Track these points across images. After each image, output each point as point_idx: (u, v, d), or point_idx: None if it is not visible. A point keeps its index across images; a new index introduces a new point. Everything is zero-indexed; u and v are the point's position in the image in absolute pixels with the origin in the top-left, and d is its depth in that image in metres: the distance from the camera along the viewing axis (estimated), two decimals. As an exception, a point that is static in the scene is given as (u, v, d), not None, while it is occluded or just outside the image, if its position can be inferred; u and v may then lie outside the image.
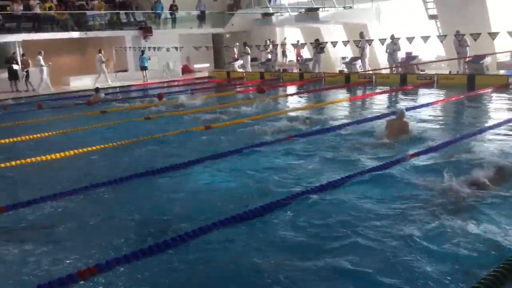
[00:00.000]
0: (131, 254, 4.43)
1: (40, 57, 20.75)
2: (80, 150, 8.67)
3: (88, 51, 25.24)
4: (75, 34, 23.13)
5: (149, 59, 23.84)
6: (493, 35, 15.88)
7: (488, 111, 12.26)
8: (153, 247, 4.55)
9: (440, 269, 4.04)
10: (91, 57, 24.81)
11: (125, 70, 24.98)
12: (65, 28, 23.11)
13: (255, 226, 5.12)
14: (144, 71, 23.64)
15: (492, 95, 14.11)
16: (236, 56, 25.88)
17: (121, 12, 25.96)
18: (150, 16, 26.76)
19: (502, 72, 17.21)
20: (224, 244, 4.73)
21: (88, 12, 24.57)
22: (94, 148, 8.87)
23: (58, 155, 8.41)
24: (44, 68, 20.95)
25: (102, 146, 9.03)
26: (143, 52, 23.69)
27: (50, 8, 23.15)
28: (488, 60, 17.03)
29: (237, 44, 25.88)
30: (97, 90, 17.42)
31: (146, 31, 25.04)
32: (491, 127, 9.31)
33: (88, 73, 23.86)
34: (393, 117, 9.13)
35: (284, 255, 4.44)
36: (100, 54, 22.55)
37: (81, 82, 22.81)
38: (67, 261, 4.52)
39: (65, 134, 10.80)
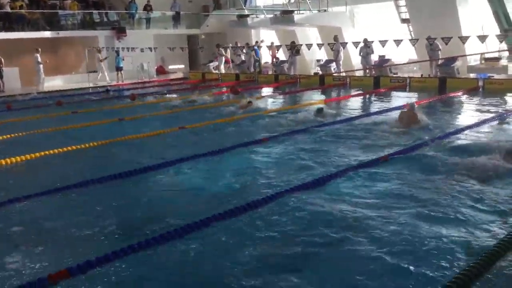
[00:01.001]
0: (103, 257, 4.36)
1: (38, 55, 20.75)
2: (51, 151, 8.49)
3: (60, 51, 24.77)
4: (47, 34, 22.67)
5: (123, 59, 23.57)
6: (463, 39, 16.24)
7: (461, 112, 12.59)
8: (126, 249, 4.48)
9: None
10: (63, 57, 24.40)
11: (99, 71, 24.62)
12: (36, 28, 22.64)
13: (233, 226, 5.11)
14: (119, 72, 23.40)
15: (463, 97, 14.46)
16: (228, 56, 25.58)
17: (94, 12, 25.60)
18: (124, 16, 26.43)
19: (472, 75, 17.61)
20: (201, 245, 4.70)
21: (61, 12, 24.13)
22: (65, 149, 8.70)
23: (28, 156, 8.22)
24: (41, 66, 20.96)
25: (74, 147, 8.87)
26: (118, 52, 23.41)
27: (21, 7, 22.65)
28: (459, 63, 17.41)
29: (230, 45, 25.78)
30: (107, 90, 18.78)
31: (119, 31, 24.73)
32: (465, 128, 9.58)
33: (60, 73, 23.42)
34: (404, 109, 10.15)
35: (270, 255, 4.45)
36: (98, 54, 22.76)
37: (53, 83, 22.37)
38: (38, 265, 4.42)
39: (35, 134, 10.58)
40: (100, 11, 25.84)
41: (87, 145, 9.00)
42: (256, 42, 25.23)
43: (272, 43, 24.69)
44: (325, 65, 21.12)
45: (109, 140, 9.44)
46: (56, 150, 8.56)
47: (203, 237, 4.86)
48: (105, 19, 25.86)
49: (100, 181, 6.77)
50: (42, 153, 8.39)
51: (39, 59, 20.85)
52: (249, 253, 4.51)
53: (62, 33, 23.19)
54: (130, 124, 11.76)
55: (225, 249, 4.64)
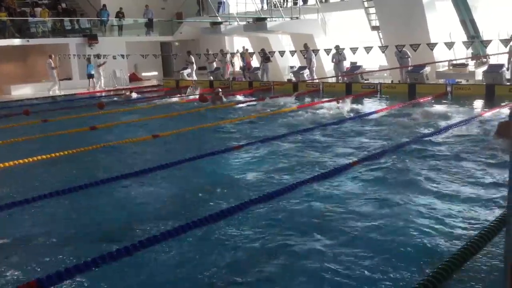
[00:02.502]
0: (73, 267, 4.31)
1: (51, 60, 21.41)
2: (21, 161, 8.34)
3: (30, 58, 24.41)
4: (17, 41, 22.32)
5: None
6: (431, 46, 16.61)
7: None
8: (97, 260, 4.44)
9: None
10: (34, 65, 24.05)
11: (69, 78, 24.31)
12: (6, 35, 22.25)
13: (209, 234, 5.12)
14: (90, 79, 23.16)
15: (432, 102, 14.78)
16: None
17: (65, 19, 25.30)
18: (96, 24, 26.22)
19: (441, 81, 18.02)
20: (175, 254, 4.70)
21: (31, 19, 23.78)
22: (35, 158, 8.55)
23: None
24: (54, 71, 21.66)
25: (44, 156, 8.72)
26: (89, 59, 23.17)
27: (-11, 14, 22.27)
28: (427, 69, 17.80)
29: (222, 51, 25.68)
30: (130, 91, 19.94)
31: (91, 38, 24.51)
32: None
33: (30, 81, 23.05)
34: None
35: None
36: (97, 59, 23.34)
37: (23, 91, 22.00)
38: (6, 278, 4.34)
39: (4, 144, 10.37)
40: (71, 18, 25.56)
41: (56, 154, 8.86)
42: (243, 47, 25.23)
43: (246, 50, 24.80)
44: (298, 72, 21.30)
45: (80, 148, 9.31)
46: (26, 160, 8.41)
47: (181, 244, 4.86)
48: (76, 27, 25.61)
49: (70, 191, 6.69)
50: (11, 163, 8.23)
51: (53, 65, 21.51)
52: (233, 255, 4.55)
53: (32, 41, 22.86)
54: (103, 132, 11.64)
55: (201, 253, 4.65)
